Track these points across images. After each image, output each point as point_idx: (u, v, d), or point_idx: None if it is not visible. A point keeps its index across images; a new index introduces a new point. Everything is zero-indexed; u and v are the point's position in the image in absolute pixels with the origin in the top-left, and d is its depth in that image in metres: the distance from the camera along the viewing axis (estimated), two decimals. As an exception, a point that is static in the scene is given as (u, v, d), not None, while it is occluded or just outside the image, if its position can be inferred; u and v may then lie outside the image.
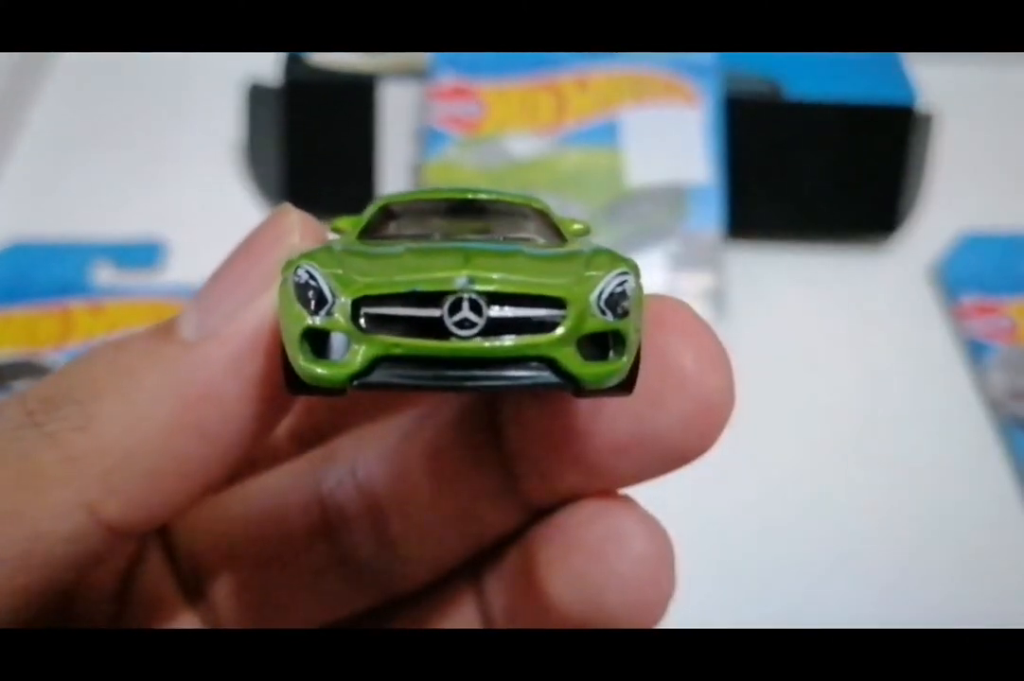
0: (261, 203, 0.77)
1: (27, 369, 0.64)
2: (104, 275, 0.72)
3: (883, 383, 0.69)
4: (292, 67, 0.74)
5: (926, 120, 0.74)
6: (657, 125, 0.73)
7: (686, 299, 0.28)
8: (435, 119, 0.73)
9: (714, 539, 0.60)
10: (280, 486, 0.34)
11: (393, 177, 0.74)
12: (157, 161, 0.80)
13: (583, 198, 0.71)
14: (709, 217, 0.71)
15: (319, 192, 0.74)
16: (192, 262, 0.65)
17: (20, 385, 0.63)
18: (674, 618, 0.30)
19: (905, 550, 0.61)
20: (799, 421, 0.67)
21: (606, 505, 0.30)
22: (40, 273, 0.71)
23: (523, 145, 0.73)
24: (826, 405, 0.68)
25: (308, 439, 0.35)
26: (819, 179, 0.74)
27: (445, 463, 0.31)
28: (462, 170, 0.72)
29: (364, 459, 0.33)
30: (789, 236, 0.76)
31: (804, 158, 0.74)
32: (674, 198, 0.71)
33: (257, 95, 0.77)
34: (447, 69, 0.74)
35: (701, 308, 0.63)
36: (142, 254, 0.73)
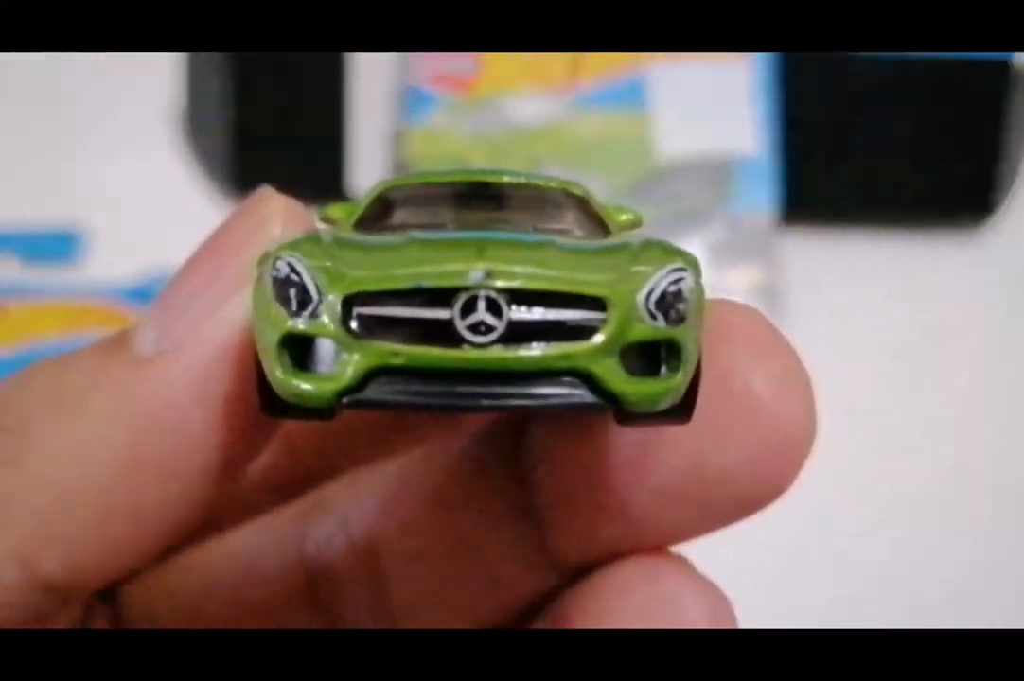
0: (204, 182, 0.72)
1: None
2: (7, 270, 0.69)
3: (977, 398, 0.66)
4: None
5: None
6: (694, 82, 0.69)
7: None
8: (419, 77, 0.70)
9: (783, 603, 0.53)
10: (255, 544, 0.33)
11: (367, 149, 0.70)
12: (76, 131, 0.74)
13: (603, 174, 0.67)
14: (760, 197, 0.67)
15: (274, 169, 0.68)
16: (117, 254, 0.64)
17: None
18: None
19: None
20: (876, 448, 0.62)
21: (654, 565, 0.29)
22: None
23: (528, 108, 0.69)
24: (909, 427, 0.64)
25: (289, 486, 0.33)
26: (897, 149, 0.70)
27: (457, 514, 0.31)
28: (452, 139, 0.68)
29: (358, 511, 0.32)
30: (859, 220, 0.71)
31: (878, 123, 0.69)
32: (716, 174, 0.68)
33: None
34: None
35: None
36: (54, 245, 0.70)
